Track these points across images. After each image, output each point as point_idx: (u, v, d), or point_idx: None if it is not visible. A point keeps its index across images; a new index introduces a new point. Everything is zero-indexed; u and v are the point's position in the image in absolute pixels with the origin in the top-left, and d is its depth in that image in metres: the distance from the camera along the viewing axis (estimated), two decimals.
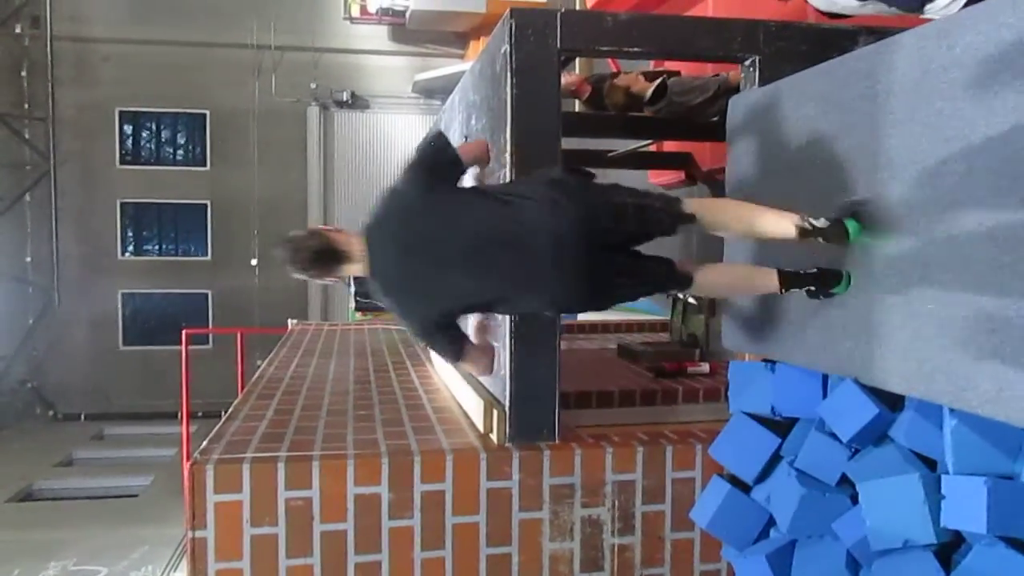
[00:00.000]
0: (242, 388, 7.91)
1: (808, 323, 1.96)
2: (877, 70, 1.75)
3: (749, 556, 2.08)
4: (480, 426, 2.52)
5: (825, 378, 1.99)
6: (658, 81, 3.50)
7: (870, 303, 1.77)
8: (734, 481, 2.22)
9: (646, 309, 5.71)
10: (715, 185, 4.84)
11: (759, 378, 2.16)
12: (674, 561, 2.41)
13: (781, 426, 2.14)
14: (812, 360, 1.96)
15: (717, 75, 3.53)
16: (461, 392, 2.96)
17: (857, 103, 1.81)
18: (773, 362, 2.15)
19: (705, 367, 3.42)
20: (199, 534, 2.17)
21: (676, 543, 2.40)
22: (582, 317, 5.64)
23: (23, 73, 13.09)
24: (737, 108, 2.36)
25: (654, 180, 5.77)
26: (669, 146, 5.04)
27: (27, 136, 13.17)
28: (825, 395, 1.98)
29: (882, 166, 1.73)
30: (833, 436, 1.89)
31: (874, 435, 1.81)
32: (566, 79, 3.81)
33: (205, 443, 2.41)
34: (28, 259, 13.86)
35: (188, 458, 7.67)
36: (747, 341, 2.28)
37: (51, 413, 13.99)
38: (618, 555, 2.37)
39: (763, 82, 2.34)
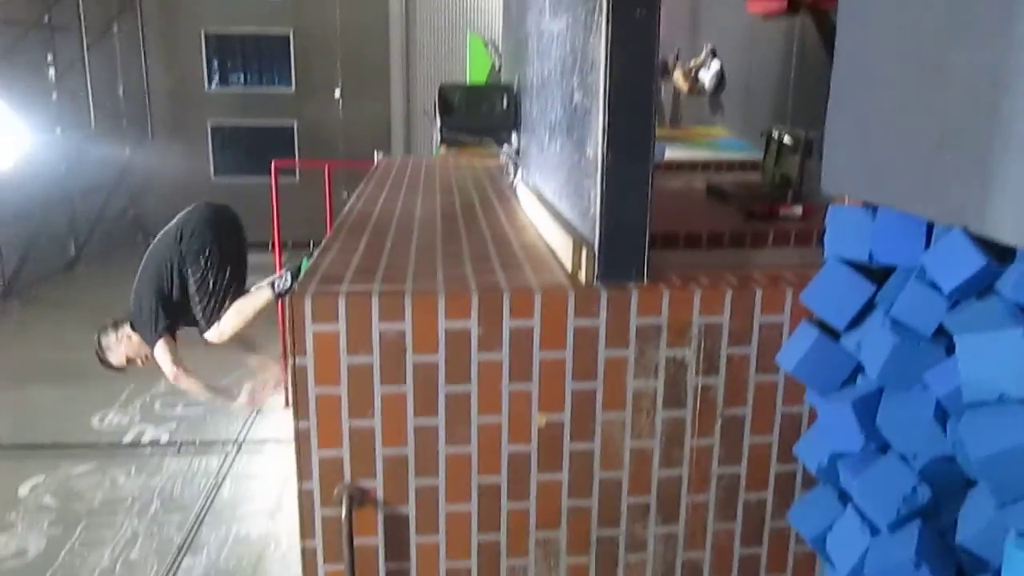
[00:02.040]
0: (330, 221, 8.12)
1: (919, 167, 1.86)
2: None
3: (834, 401, 2.08)
4: (568, 265, 2.54)
5: (930, 226, 1.91)
6: None
7: (990, 148, 1.66)
8: (823, 327, 2.20)
9: (737, 147, 5.53)
10: (820, 15, 4.54)
11: (859, 223, 2.08)
12: (756, 402, 2.44)
13: (877, 274, 2.08)
14: (919, 206, 1.88)
15: None
16: (549, 230, 2.97)
17: None
18: (875, 207, 2.06)
19: (798, 210, 3.33)
20: (300, 362, 2.28)
21: (759, 385, 2.43)
22: (669, 155, 5.50)
23: None
24: None
25: (752, 9, 5.43)
26: None
27: None
28: (928, 244, 1.90)
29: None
30: (933, 286, 1.83)
31: (978, 287, 1.75)
32: None
33: (302, 276, 2.50)
34: (120, 92, 14.15)
35: None
36: (849, 184, 2.19)
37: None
38: (701, 395, 2.42)
39: None
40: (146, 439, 7.88)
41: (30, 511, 6.58)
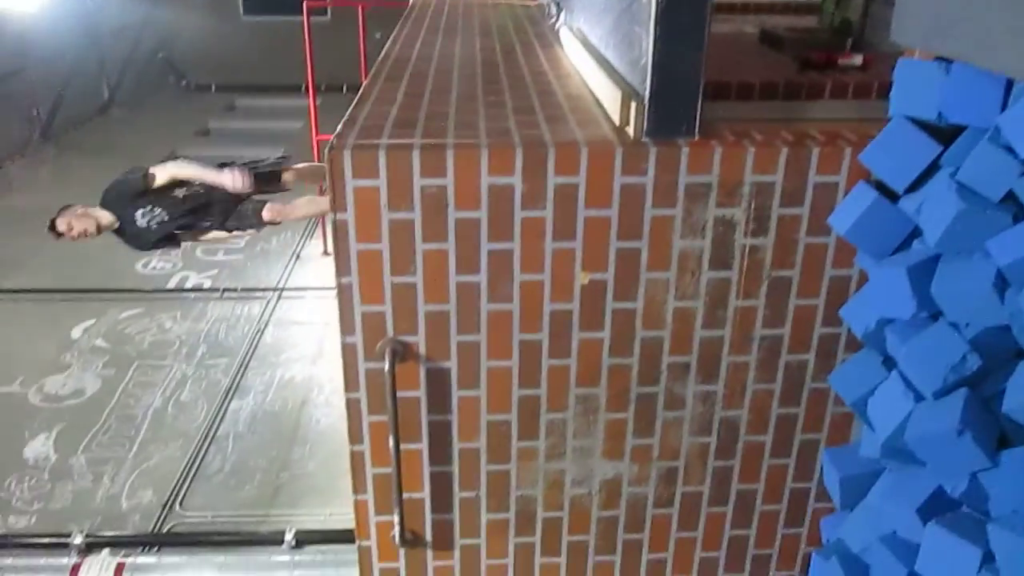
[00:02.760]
0: (364, 65, 7.91)
1: (1003, 20, 1.71)
2: None
3: (888, 266, 2.02)
4: (615, 119, 2.43)
5: (1009, 84, 1.78)
6: None
7: None
8: (881, 188, 2.10)
9: None
10: None
11: (930, 79, 1.94)
12: (805, 264, 2.38)
13: (944, 134, 1.97)
14: (1001, 63, 1.74)
15: None
16: (594, 80, 2.84)
17: None
18: (949, 61, 1.92)
19: (858, 59, 3.14)
20: (340, 216, 2.25)
21: (809, 247, 2.36)
22: None
23: None
24: None
25: None
26: None
27: None
28: (1005, 104, 1.78)
29: None
30: (1007, 149, 1.72)
31: None
32: None
33: (340, 127, 2.43)
34: None
35: (316, 131, 7.96)
36: (923, 35, 2.03)
37: (184, 83, 14.47)
38: (748, 256, 2.36)
39: None
40: (189, 284, 8.06)
41: (84, 353, 6.85)
